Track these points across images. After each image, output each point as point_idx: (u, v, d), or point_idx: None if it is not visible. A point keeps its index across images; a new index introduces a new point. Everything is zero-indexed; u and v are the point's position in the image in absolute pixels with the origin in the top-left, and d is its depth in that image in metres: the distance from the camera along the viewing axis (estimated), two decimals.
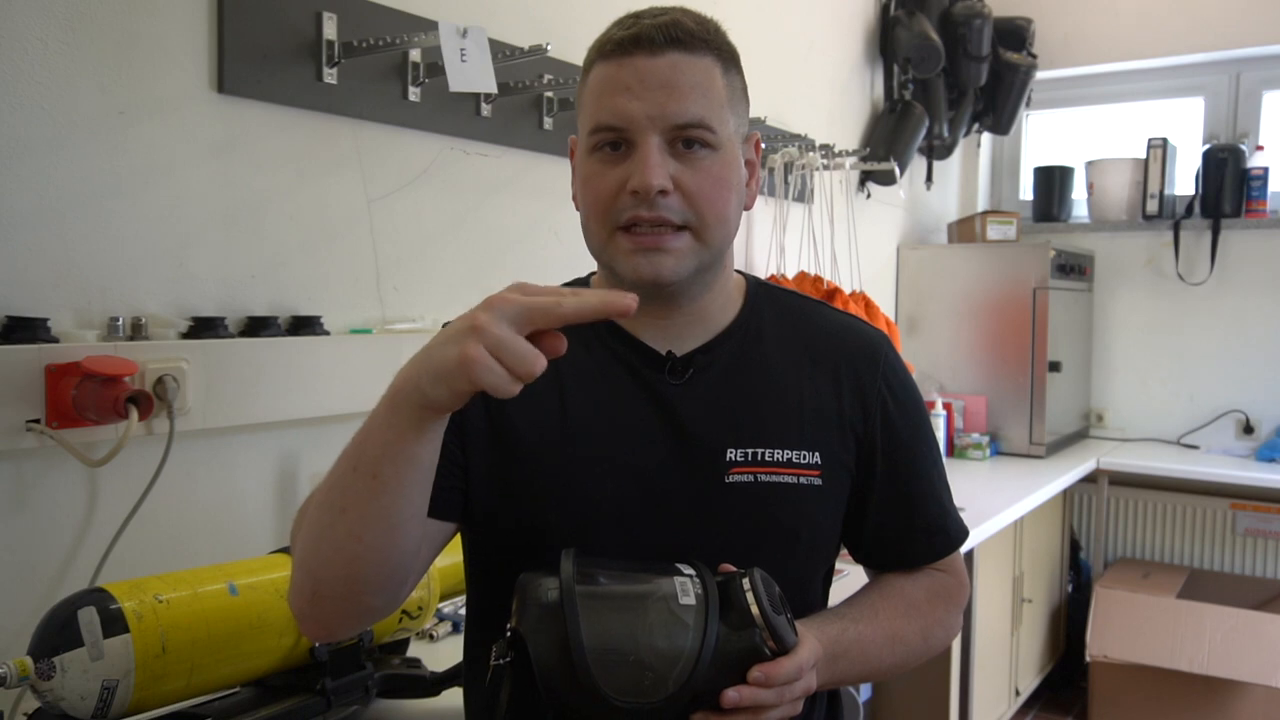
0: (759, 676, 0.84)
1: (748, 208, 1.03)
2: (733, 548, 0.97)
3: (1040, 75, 3.67)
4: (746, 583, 0.87)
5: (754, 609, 0.86)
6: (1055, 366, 3.31)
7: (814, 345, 1.07)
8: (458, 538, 1.06)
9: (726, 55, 0.99)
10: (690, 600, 0.85)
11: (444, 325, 0.84)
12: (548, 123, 1.96)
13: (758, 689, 0.85)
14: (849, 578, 1.40)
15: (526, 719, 0.84)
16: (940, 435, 3.11)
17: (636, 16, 0.96)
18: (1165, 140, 3.53)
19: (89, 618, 0.97)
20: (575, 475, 0.98)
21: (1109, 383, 3.80)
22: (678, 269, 0.95)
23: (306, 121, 1.56)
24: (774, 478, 1.00)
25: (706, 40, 0.96)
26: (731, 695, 0.84)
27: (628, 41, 0.94)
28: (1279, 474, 3.15)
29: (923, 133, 3.25)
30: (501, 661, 0.83)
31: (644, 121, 0.93)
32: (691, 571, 0.89)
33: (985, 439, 3.25)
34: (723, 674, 0.84)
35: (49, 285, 1.26)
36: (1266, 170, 3.45)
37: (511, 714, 0.84)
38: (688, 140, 0.94)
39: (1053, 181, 3.85)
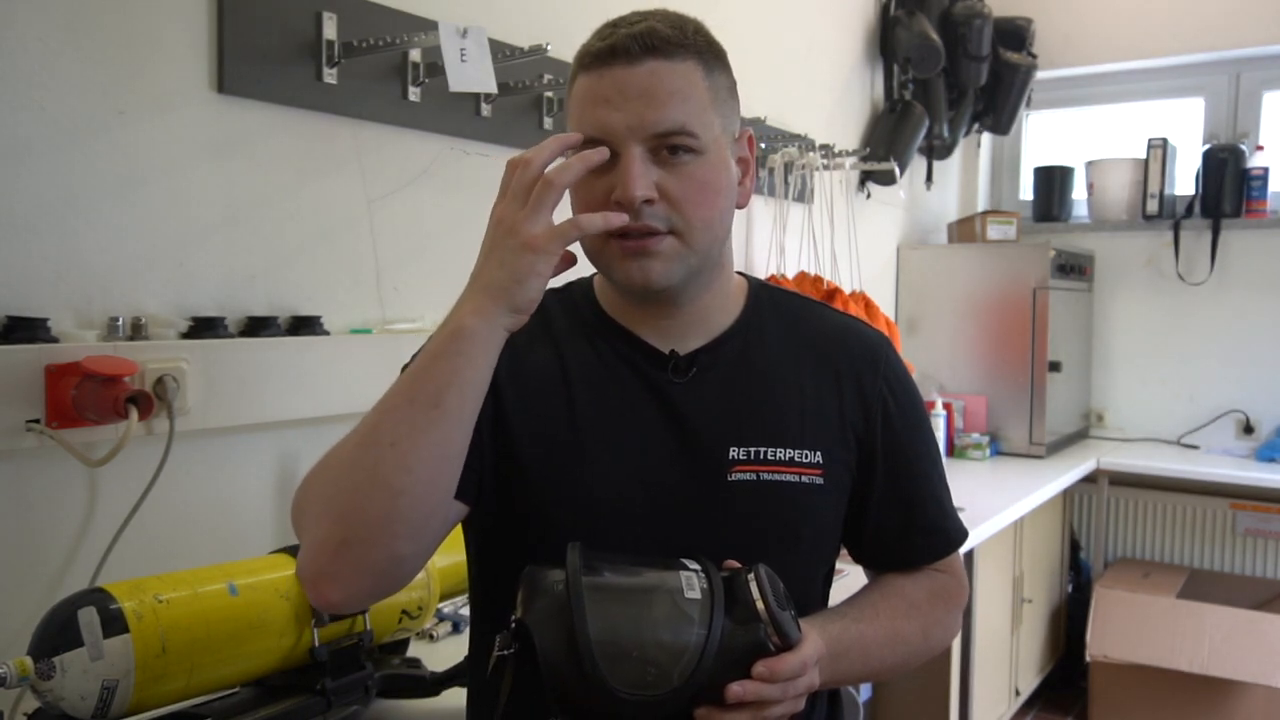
0: (763, 671, 0.85)
1: (741, 206, 1.02)
2: (735, 545, 0.97)
3: (1040, 75, 3.67)
4: (751, 578, 0.88)
5: (759, 604, 0.86)
6: (1055, 366, 3.31)
7: (815, 346, 1.08)
8: (457, 537, 1.06)
9: (708, 55, 0.97)
10: (695, 595, 0.86)
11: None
12: (548, 123, 1.96)
13: (762, 684, 0.85)
14: (849, 578, 1.40)
15: (529, 711, 0.84)
16: (940, 435, 3.11)
17: (614, 26, 0.96)
18: (1165, 140, 3.53)
19: (89, 618, 0.97)
20: (580, 472, 0.99)
21: (1109, 383, 3.80)
22: (666, 273, 0.96)
23: (306, 121, 1.56)
24: (776, 476, 1.00)
25: (684, 44, 0.95)
26: (735, 689, 0.84)
27: (604, 53, 0.94)
28: (1279, 474, 3.15)
29: (923, 133, 3.25)
30: (505, 653, 0.83)
31: (624, 132, 0.92)
32: (697, 566, 0.89)
33: (985, 439, 3.25)
34: (727, 668, 0.84)
35: (49, 285, 1.26)
36: (1266, 170, 3.45)
37: (513, 706, 0.84)
38: (671, 147, 0.93)
39: (1053, 181, 3.85)
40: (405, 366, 0.93)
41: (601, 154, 0.91)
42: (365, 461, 0.86)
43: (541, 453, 0.99)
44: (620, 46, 0.93)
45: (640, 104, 0.92)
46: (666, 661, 0.83)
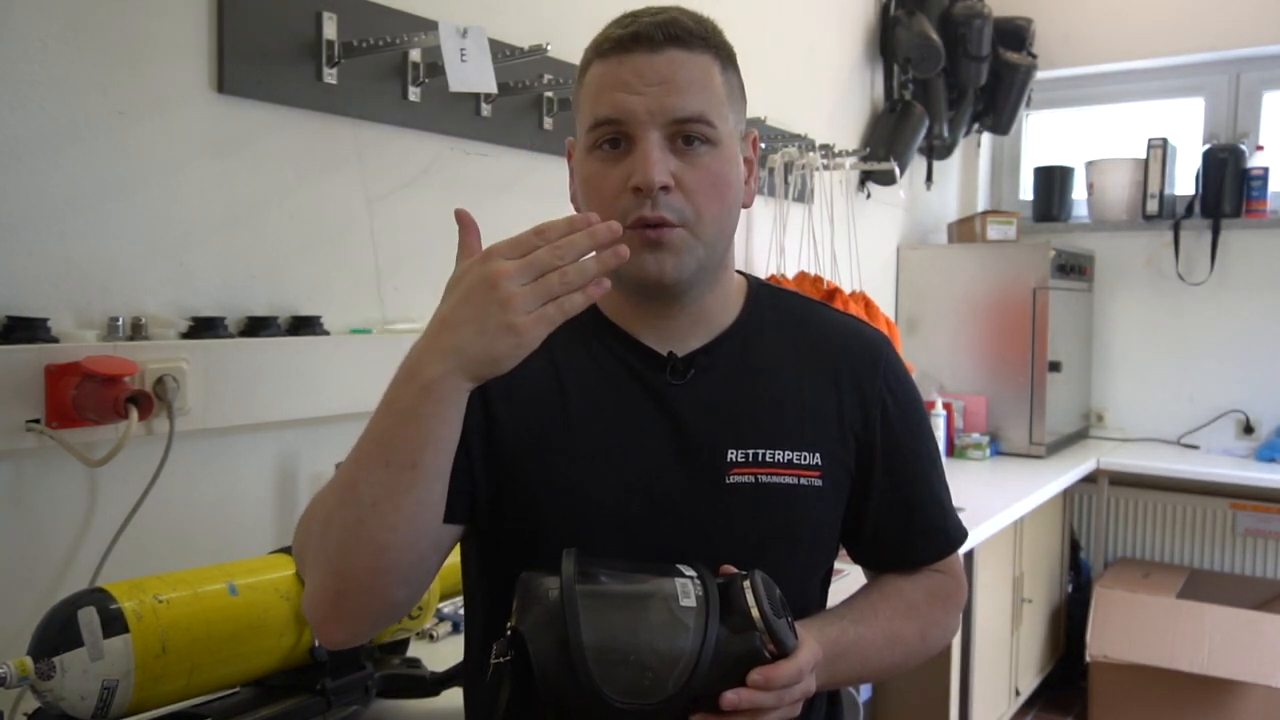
0: (758, 679, 0.84)
1: (746, 205, 1.03)
2: (733, 548, 0.97)
3: (1040, 75, 3.67)
4: (747, 585, 0.87)
5: (754, 611, 0.86)
6: (1055, 366, 3.31)
7: (815, 346, 1.07)
8: None
9: (724, 54, 0.99)
10: (691, 602, 0.85)
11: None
12: (548, 123, 1.96)
13: (757, 692, 0.85)
14: (848, 578, 1.40)
15: (526, 718, 0.84)
16: (940, 435, 3.11)
17: (634, 15, 0.97)
18: (1165, 140, 3.53)
19: (89, 618, 0.97)
20: (576, 476, 0.98)
21: (1109, 383, 3.80)
22: (680, 266, 0.96)
23: (306, 121, 1.56)
24: (774, 478, 1.00)
25: (705, 38, 0.97)
26: (730, 697, 0.84)
27: (626, 39, 0.95)
28: (1279, 474, 3.15)
29: (923, 133, 3.25)
30: (501, 660, 0.83)
31: (644, 116, 0.93)
32: (692, 573, 0.89)
33: (985, 439, 3.25)
34: (722, 676, 0.84)
35: (49, 285, 1.26)
36: (1266, 170, 3.45)
37: (510, 713, 0.84)
38: (688, 137, 0.94)
39: (1053, 181, 3.85)
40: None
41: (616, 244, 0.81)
42: (349, 520, 0.85)
43: (536, 460, 0.99)
44: (643, 34, 0.94)
45: (661, 90, 0.93)
46: (661, 669, 0.82)
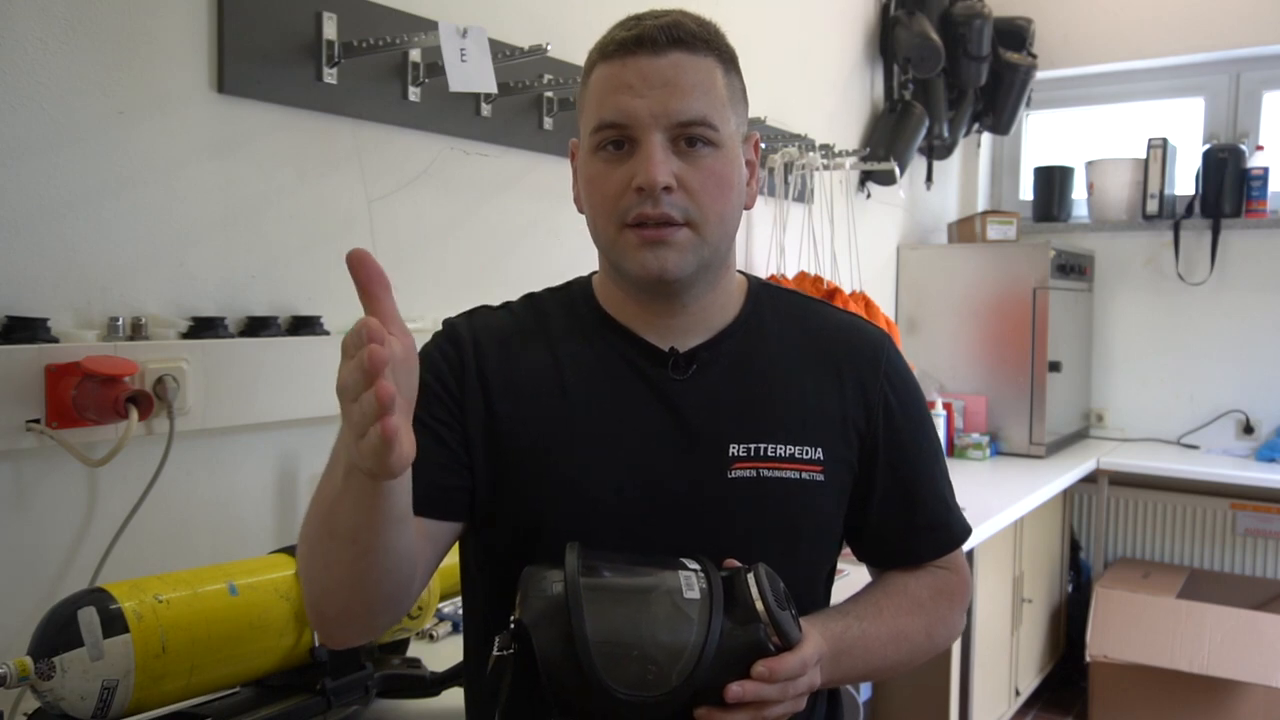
0: (762, 671, 0.85)
1: (748, 207, 1.04)
2: (735, 543, 0.97)
3: (1040, 75, 3.67)
4: (751, 578, 0.88)
5: (758, 604, 0.86)
6: (1055, 366, 3.31)
7: (816, 343, 1.08)
8: None
9: (727, 57, 1.00)
10: (694, 594, 0.86)
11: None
12: (548, 123, 1.96)
13: (761, 684, 0.85)
14: (850, 577, 1.40)
15: (528, 712, 0.84)
16: (940, 435, 3.09)
17: (638, 18, 0.97)
18: (1165, 140, 3.53)
19: (89, 618, 0.97)
20: (579, 471, 0.99)
21: (1109, 383, 3.80)
22: (681, 264, 0.96)
23: (306, 121, 1.56)
24: (776, 473, 1.00)
25: (707, 41, 0.97)
26: (735, 689, 0.84)
27: (630, 42, 0.95)
28: (1279, 474, 3.15)
29: (923, 133, 3.25)
30: (504, 653, 0.83)
31: (647, 119, 0.93)
32: (696, 566, 0.89)
33: (985, 439, 3.25)
34: (726, 668, 0.84)
35: (49, 285, 1.26)
36: (1266, 170, 3.45)
37: (513, 706, 0.84)
38: (690, 138, 0.95)
39: (1053, 181, 3.85)
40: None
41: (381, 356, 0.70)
42: (312, 571, 0.88)
43: (538, 455, 0.99)
44: (647, 36, 0.95)
45: (664, 93, 0.94)
46: (665, 661, 0.82)
